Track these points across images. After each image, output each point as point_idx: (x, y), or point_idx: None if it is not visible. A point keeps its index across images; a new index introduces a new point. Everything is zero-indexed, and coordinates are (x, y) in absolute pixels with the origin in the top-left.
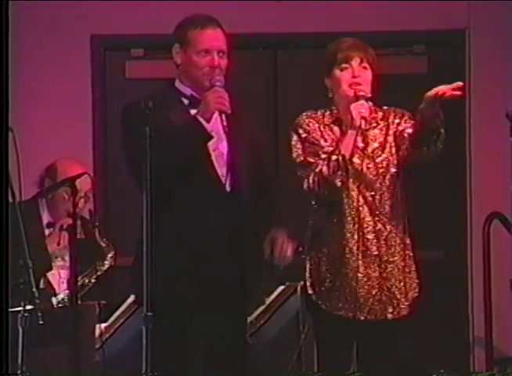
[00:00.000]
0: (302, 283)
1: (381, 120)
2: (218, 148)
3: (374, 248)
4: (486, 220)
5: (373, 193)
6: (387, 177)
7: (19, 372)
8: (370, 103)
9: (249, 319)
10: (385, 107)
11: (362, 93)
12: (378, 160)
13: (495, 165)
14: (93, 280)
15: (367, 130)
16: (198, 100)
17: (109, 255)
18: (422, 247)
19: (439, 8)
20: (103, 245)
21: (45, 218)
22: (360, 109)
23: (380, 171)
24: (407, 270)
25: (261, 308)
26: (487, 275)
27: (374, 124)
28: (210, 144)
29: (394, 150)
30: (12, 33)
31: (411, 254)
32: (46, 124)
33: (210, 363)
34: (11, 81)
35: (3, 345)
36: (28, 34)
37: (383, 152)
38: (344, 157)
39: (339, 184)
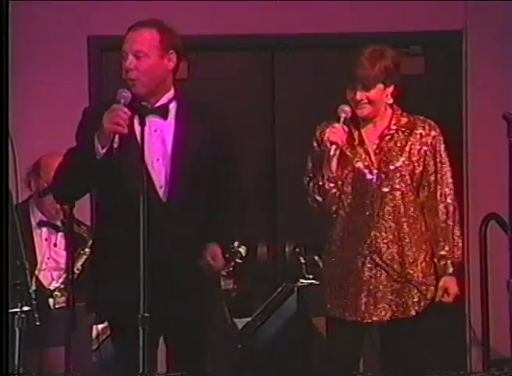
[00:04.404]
0: (299, 284)
1: (404, 127)
2: (161, 157)
3: (374, 255)
4: (483, 221)
5: (376, 199)
6: (396, 185)
7: (16, 373)
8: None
9: (247, 320)
10: (413, 116)
11: (343, 115)
12: (391, 167)
13: (492, 166)
14: (80, 267)
15: (385, 136)
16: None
17: (91, 242)
18: None
19: (436, 9)
20: (83, 234)
21: (36, 216)
22: (330, 132)
23: (391, 179)
24: (404, 278)
25: (259, 309)
26: (484, 276)
27: (393, 131)
28: (154, 153)
29: (412, 159)
30: (10, 33)
31: (409, 260)
32: (43, 125)
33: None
34: (10, 82)
35: (3, 345)
36: (25, 34)
37: (397, 160)
38: (322, 177)
39: (332, 210)
